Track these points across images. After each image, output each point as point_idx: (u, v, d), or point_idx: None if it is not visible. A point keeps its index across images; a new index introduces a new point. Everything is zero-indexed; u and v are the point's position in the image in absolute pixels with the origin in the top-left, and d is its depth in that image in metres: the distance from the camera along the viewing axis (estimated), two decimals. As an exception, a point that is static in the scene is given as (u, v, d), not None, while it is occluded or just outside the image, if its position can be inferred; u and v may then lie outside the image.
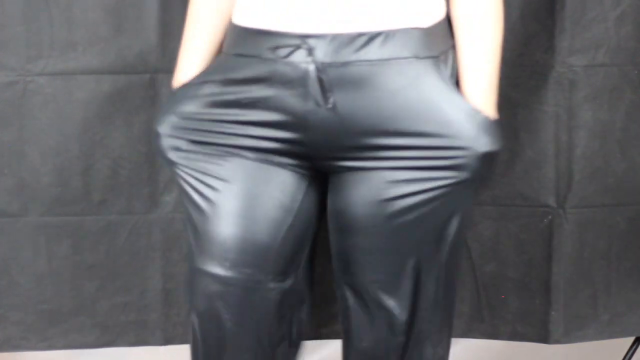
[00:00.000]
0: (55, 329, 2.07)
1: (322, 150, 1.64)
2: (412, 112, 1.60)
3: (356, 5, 1.59)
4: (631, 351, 2.21)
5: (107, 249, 2.05)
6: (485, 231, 2.12)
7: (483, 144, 1.62)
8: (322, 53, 1.58)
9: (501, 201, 2.10)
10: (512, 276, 2.13)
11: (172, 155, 1.68)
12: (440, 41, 1.65)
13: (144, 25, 1.98)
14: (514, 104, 2.07)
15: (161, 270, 2.07)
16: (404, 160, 1.61)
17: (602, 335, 2.14)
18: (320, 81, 1.59)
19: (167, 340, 2.10)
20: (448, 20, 1.69)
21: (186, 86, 1.70)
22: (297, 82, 1.60)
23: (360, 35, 1.58)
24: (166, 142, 1.68)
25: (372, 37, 1.59)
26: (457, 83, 1.67)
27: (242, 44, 1.65)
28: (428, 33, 1.62)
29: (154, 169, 2.03)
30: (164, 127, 1.69)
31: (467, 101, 1.63)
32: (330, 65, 1.58)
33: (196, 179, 1.67)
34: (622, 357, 2.22)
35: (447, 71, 1.64)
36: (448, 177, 1.62)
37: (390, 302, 1.68)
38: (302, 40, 1.59)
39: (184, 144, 1.67)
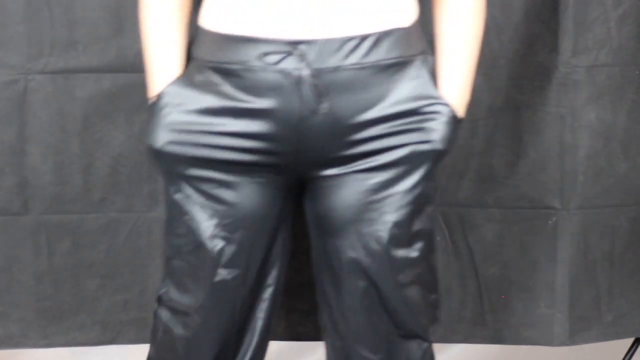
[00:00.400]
0: (55, 326, 2.08)
1: (312, 156, 1.63)
2: (400, 109, 1.61)
3: (342, 10, 1.59)
4: (631, 352, 2.20)
5: (107, 247, 2.06)
6: (488, 234, 2.11)
7: (443, 141, 1.65)
8: (314, 59, 1.58)
9: (505, 203, 2.10)
10: (516, 279, 2.12)
11: (179, 169, 1.65)
12: (419, 39, 1.66)
13: (144, 25, 1.98)
14: (517, 105, 2.06)
15: (161, 268, 2.07)
16: (378, 158, 1.62)
17: (606, 336, 2.13)
18: (315, 87, 1.58)
19: (168, 339, 2.11)
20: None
21: (169, 96, 1.65)
22: (289, 89, 1.58)
23: (349, 39, 1.58)
24: (167, 156, 1.64)
25: (361, 41, 1.59)
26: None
27: (223, 51, 1.61)
28: (409, 32, 1.64)
29: (154, 167, 2.03)
30: (160, 142, 1.64)
31: (443, 98, 1.65)
32: (323, 70, 1.58)
33: (202, 191, 1.65)
34: (621, 357, 2.21)
35: (429, 67, 1.65)
36: (419, 170, 1.64)
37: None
38: (293, 46, 1.58)
39: (183, 159, 1.64)
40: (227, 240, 1.65)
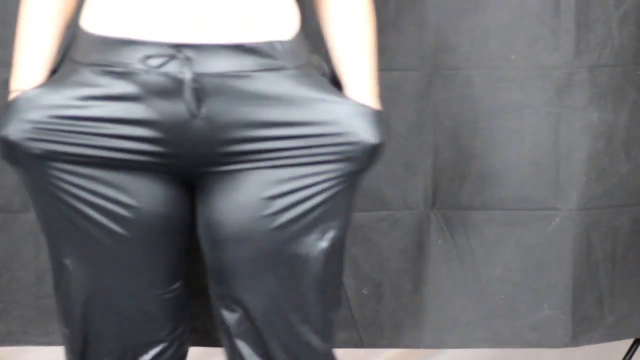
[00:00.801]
0: (56, 324, 2.07)
1: (196, 160, 1.62)
2: (291, 116, 1.61)
3: (227, 17, 1.58)
4: (631, 352, 2.18)
5: (107, 245, 2.07)
6: (491, 235, 2.09)
7: (371, 136, 1.64)
8: (198, 63, 1.56)
9: (507, 204, 2.08)
10: (519, 281, 2.09)
11: (35, 164, 1.63)
12: (303, 49, 1.66)
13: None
14: (519, 106, 2.05)
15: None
16: (284, 159, 1.61)
17: (609, 337, 2.11)
18: (196, 91, 1.57)
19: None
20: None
21: (34, 94, 1.61)
22: (171, 92, 1.57)
23: (234, 46, 1.58)
24: (23, 149, 1.62)
25: (246, 49, 1.58)
26: (337, 83, 1.69)
27: (105, 54, 1.59)
28: (293, 42, 1.63)
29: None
30: (16, 134, 1.61)
31: (350, 97, 1.66)
32: (205, 75, 1.57)
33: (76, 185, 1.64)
34: (621, 358, 2.19)
35: (321, 74, 1.66)
36: (331, 171, 1.62)
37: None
38: (177, 50, 1.56)
39: (43, 152, 1.62)
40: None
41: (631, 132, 2.05)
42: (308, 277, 1.66)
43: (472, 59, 2.05)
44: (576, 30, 2.01)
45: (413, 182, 2.08)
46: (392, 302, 2.11)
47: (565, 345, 2.09)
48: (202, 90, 1.57)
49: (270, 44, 1.61)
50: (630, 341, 2.19)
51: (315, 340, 1.69)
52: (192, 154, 1.61)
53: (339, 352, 2.15)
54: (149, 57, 1.57)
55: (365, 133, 1.63)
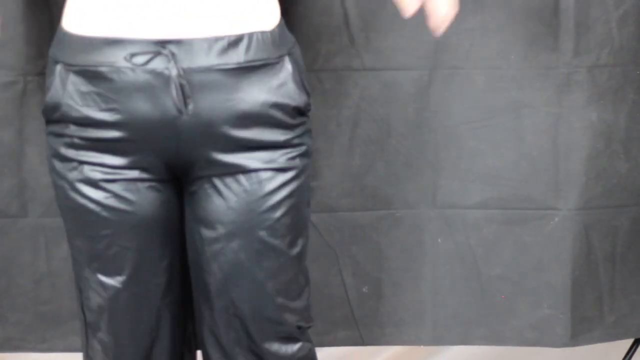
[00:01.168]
0: (54, 330, 2.06)
1: (185, 157, 1.62)
2: (275, 110, 1.62)
3: (209, 10, 1.58)
4: (631, 352, 2.20)
5: (107, 250, 2.04)
6: (490, 235, 2.10)
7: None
8: (183, 58, 1.57)
9: (506, 204, 2.09)
10: (518, 280, 2.11)
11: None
12: (285, 40, 1.66)
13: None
14: (518, 106, 2.06)
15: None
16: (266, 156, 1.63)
17: (608, 337, 2.13)
18: (182, 87, 1.57)
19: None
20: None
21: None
22: (160, 89, 1.57)
23: (217, 39, 1.58)
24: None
25: (230, 42, 1.58)
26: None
27: (89, 54, 1.59)
28: (275, 34, 1.64)
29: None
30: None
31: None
32: (191, 70, 1.57)
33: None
34: (621, 358, 2.21)
35: (297, 66, 1.66)
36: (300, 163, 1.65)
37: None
38: (162, 46, 1.56)
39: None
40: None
41: (631, 132, 2.07)
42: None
43: (471, 58, 2.05)
44: (575, 30, 2.02)
45: (413, 181, 2.09)
46: (392, 300, 2.12)
47: (565, 345, 2.11)
48: (188, 86, 1.57)
49: (253, 35, 1.60)
50: (630, 341, 2.21)
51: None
52: (180, 151, 1.61)
53: (340, 351, 2.17)
54: (133, 54, 1.57)
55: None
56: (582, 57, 2.04)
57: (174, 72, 1.56)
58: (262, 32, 1.62)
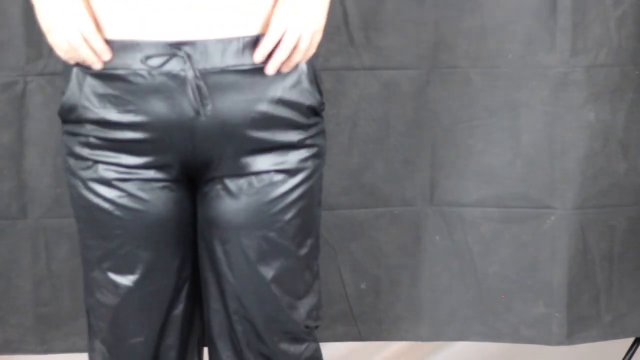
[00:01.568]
0: (54, 332, 2.05)
1: (201, 159, 1.61)
2: (290, 110, 1.61)
3: (223, 11, 1.58)
4: (631, 352, 2.22)
5: (107, 251, 2.03)
6: (488, 233, 2.12)
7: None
8: (199, 60, 1.56)
9: (504, 202, 2.11)
10: (515, 278, 2.13)
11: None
12: None
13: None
14: (516, 105, 2.08)
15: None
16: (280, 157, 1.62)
17: (605, 336, 2.15)
18: (199, 88, 1.57)
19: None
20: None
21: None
22: (177, 91, 1.57)
23: (233, 40, 1.57)
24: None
25: (245, 43, 1.58)
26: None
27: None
28: None
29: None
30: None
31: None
32: (207, 71, 1.57)
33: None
34: (621, 357, 2.23)
35: (311, 65, 1.65)
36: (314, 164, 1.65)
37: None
38: (177, 48, 1.56)
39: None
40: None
41: (629, 132, 2.09)
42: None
43: (469, 57, 2.06)
44: (573, 29, 2.04)
45: (411, 179, 2.10)
46: (390, 297, 2.14)
47: (560, 344, 2.14)
48: (204, 87, 1.57)
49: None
50: (630, 341, 2.23)
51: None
52: (196, 152, 1.60)
53: (341, 348, 2.18)
54: (149, 57, 1.56)
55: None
56: (579, 56, 2.05)
57: (190, 74, 1.56)
58: None
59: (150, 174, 1.62)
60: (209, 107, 1.57)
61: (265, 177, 1.63)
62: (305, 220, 1.67)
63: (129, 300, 1.66)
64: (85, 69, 1.59)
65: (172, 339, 1.71)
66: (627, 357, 2.22)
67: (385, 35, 2.04)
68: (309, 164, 1.65)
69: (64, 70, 1.61)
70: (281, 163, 1.63)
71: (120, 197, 1.61)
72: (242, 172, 1.62)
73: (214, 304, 1.69)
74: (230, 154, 1.61)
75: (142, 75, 1.56)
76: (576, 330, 2.14)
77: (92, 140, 1.60)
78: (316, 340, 1.75)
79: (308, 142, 1.64)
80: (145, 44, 1.55)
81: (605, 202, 2.11)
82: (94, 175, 1.61)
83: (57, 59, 1.93)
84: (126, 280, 1.65)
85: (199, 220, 1.67)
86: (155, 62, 1.55)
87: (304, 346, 1.71)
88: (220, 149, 1.60)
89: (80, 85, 1.60)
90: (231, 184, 1.63)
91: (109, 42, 1.57)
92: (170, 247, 1.66)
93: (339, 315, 2.14)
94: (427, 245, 2.13)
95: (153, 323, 1.68)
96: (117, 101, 1.58)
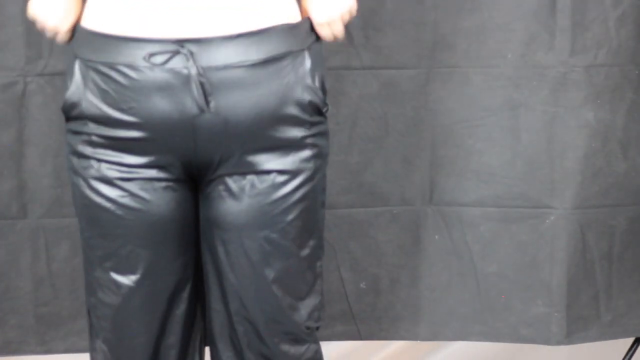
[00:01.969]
0: (54, 332, 2.05)
1: (203, 158, 1.61)
2: (292, 106, 1.61)
3: (226, 7, 1.58)
4: (631, 352, 2.23)
5: (107, 251, 2.03)
6: (487, 232, 2.12)
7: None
8: (202, 57, 1.56)
9: (503, 202, 2.11)
10: (514, 278, 2.13)
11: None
12: (305, 35, 1.64)
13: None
14: (515, 104, 2.08)
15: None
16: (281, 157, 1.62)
17: (605, 336, 2.16)
18: (202, 85, 1.56)
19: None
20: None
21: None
22: (180, 88, 1.56)
23: (235, 37, 1.57)
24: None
25: (248, 39, 1.58)
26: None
27: (108, 52, 1.57)
28: (294, 28, 1.62)
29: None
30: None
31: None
32: (210, 68, 1.56)
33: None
34: (621, 357, 2.23)
35: (316, 63, 1.64)
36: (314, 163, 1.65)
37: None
38: (180, 45, 1.56)
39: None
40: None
41: (629, 132, 2.09)
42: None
43: (469, 57, 2.06)
44: (572, 29, 2.04)
45: (410, 179, 2.10)
46: (390, 296, 2.14)
47: (559, 343, 2.14)
48: (208, 84, 1.56)
49: (271, 30, 1.59)
50: (630, 341, 2.23)
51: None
52: (198, 150, 1.60)
53: (338, 345, 2.18)
54: (152, 54, 1.55)
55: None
56: (578, 56, 2.06)
57: (193, 71, 1.55)
58: (280, 28, 1.60)
59: (152, 173, 1.61)
60: (212, 104, 1.56)
61: (268, 177, 1.62)
62: (307, 222, 1.67)
63: (130, 300, 1.65)
64: (87, 62, 1.58)
65: (173, 338, 1.71)
66: (627, 357, 2.22)
67: (385, 34, 2.04)
68: (311, 164, 1.65)
69: (67, 63, 1.60)
70: (284, 163, 1.63)
71: (122, 196, 1.61)
72: (245, 171, 1.62)
73: (215, 304, 1.69)
74: (232, 152, 1.60)
75: (144, 72, 1.55)
76: (575, 330, 2.14)
77: (94, 138, 1.60)
78: (317, 342, 1.75)
79: (310, 141, 1.64)
80: (149, 40, 1.55)
81: (605, 202, 2.11)
82: (97, 174, 1.61)
83: (57, 59, 1.95)
84: (128, 279, 1.65)
85: (201, 220, 1.67)
86: (158, 59, 1.55)
87: (304, 347, 1.72)
88: (223, 147, 1.60)
89: (85, 79, 1.59)
90: (233, 184, 1.63)
91: (111, 37, 1.56)
92: (172, 247, 1.66)
93: (338, 314, 2.14)
94: (427, 244, 2.13)
95: (154, 322, 1.68)
96: (118, 97, 1.57)
